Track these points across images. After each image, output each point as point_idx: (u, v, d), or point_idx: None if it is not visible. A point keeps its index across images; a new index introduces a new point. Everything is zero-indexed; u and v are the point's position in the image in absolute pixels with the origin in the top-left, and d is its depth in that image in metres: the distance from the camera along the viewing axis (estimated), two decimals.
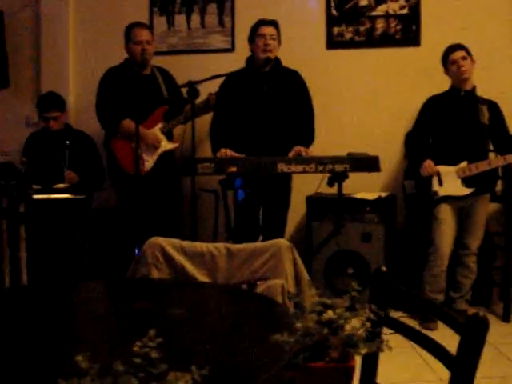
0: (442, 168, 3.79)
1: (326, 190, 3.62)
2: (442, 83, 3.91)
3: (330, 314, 1.12)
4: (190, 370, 0.85)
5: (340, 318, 1.12)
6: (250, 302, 1.76)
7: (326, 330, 1.12)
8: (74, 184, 4.02)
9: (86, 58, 4.89)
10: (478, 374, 3.02)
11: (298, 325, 1.12)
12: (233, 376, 1.10)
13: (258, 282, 2.29)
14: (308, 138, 3.81)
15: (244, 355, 1.18)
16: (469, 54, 3.76)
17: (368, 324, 1.14)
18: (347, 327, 1.15)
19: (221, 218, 3.97)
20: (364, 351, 1.12)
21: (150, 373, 0.86)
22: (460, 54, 3.73)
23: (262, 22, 3.79)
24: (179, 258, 2.33)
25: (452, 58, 3.76)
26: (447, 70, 3.83)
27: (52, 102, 4.26)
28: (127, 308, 1.71)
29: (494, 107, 3.86)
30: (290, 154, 3.62)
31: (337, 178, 3.49)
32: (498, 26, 4.35)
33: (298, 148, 3.65)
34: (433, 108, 3.90)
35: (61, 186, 3.91)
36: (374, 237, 4.05)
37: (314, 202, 4.07)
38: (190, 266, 2.31)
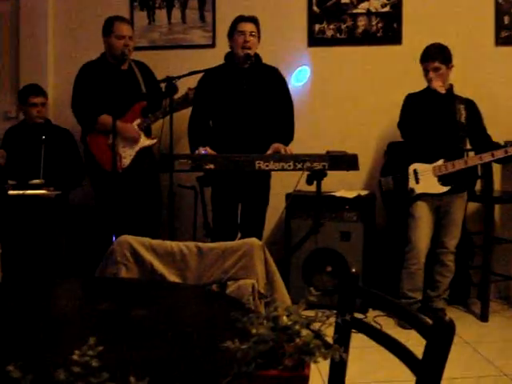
0: (418, 166, 3.80)
1: (305, 187, 3.60)
2: (423, 82, 3.89)
3: (285, 320, 1.10)
4: (128, 380, 0.82)
5: (295, 324, 1.10)
6: (214, 305, 1.73)
7: (281, 337, 1.10)
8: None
9: (65, 51, 4.83)
10: (455, 374, 3.04)
11: (253, 331, 1.09)
12: None
13: (229, 282, 2.27)
14: (287, 136, 3.79)
15: (193, 363, 1.16)
16: (444, 61, 3.70)
17: (323, 330, 1.12)
18: (304, 333, 1.13)
19: (200, 215, 3.93)
20: (320, 359, 1.10)
21: (89, 382, 0.84)
22: (432, 65, 3.70)
23: (242, 19, 3.76)
24: (149, 257, 2.30)
25: (425, 66, 3.75)
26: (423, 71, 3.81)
27: (40, 88, 4.27)
28: (90, 308, 1.68)
29: (471, 106, 3.86)
30: (269, 152, 3.60)
31: (315, 176, 3.49)
32: (478, 24, 4.35)
33: (276, 145, 3.62)
34: (411, 105, 3.88)
35: (37, 181, 3.87)
36: (353, 235, 4.04)
37: (293, 199, 4.05)
38: (159, 265, 2.29)
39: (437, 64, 3.70)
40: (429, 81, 3.73)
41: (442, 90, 3.71)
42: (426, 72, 3.74)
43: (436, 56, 3.70)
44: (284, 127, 3.82)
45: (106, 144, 3.88)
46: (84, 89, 4.02)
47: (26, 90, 4.26)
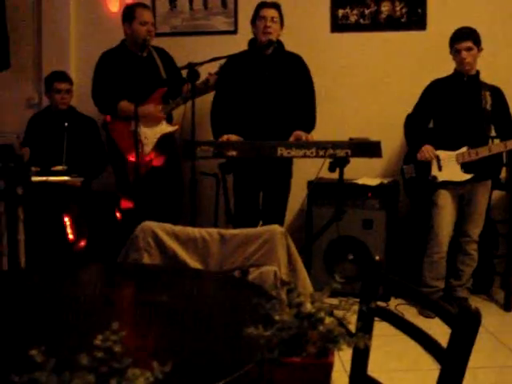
0: (441, 153, 3.75)
1: (327, 175, 3.58)
2: (448, 68, 3.83)
3: (308, 307, 1.09)
4: (151, 366, 0.82)
5: (319, 311, 1.08)
6: (236, 291, 1.73)
7: (305, 324, 1.08)
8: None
9: (87, 39, 4.84)
10: (478, 364, 3.02)
11: (276, 317, 1.08)
12: (199, 373, 1.08)
13: (251, 269, 2.26)
14: (309, 124, 3.76)
15: (216, 350, 1.15)
16: (476, 43, 3.65)
17: (347, 318, 1.11)
18: (328, 320, 1.11)
19: (221, 203, 3.93)
20: (344, 347, 1.08)
21: (111, 367, 0.83)
22: (465, 44, 3.64)
23: (264, 4, 3.74)
24: (171, 244, 2.30)
25: (457, 47, 3.67)
26: (452, 54, 3.75)
27: (65, 75, 4.30)
28: (112, 294, 1.68)
29: (497, 93, 3.79)
30: (291, 139, 3.58)
31: (338, 164, 3.46)
32: (504, 10, 4.26)
33: (297, 133, 3.60)
34: (435, 92, 3.83)
35: (59, 168, 3.89)
36: (375, 223, 4.01)
37: (315, 187, 4.02)
38: (181, 252, 2.28)
39: (470, 44, 3.64)
40: (461, 60, 3.67)
41: (472, 72, 3.67)
42: (457, 52, 3.67)
43: (469, 36, 3.64)
44: (306, 115, 3.79)
45: (128, 131, 3.88)
46: (104, 77, 4.03)
47: (51, 76, 4.29)
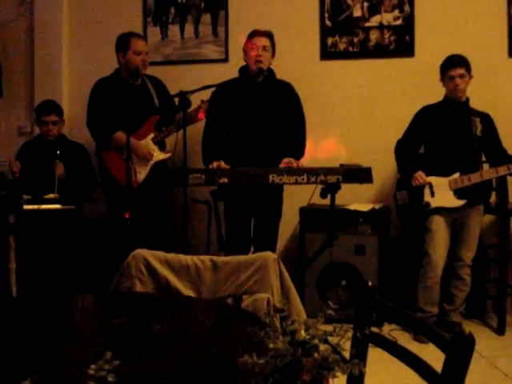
0: (433, 179, 3.77)
1: (319, 201, 3.59)
2: (436, 94, 3.88)
3: (302, 334, 1.09)
4: None
5: (313, 338, 1.08)
6: (230, 319, 1.72)
7: (299, 351, 1.08)
8: (61, 180, 4.01)
9: (79, 67, 4.89)
10: None
11: (270, 345, 1.08)
12: None
13: (244, 296, 2.25)
14: (299, 151, 3.78)
15: (210, 378, 1.15)
16: (468, 70, 3.71)
17: (341, 345, 1.11)
18: (322, 347, 1.11)
19: (213, 229, 3.93)
20: (339, 374, 1.08)
21: None
22: (459, 71, 3.69)
23: (256, 33, 3.76)
24: (163, 271, 2.29)
25: (450, 73, 3.71)
26: (443, 80, 3.79)
27: (53, 107, 4.32)
28: (105, 323, 1.67)
29: (486, 119, 3.84)
30: (280, 166, 3.59)
31: (329, 190, 3.48)
32: (491, 37, 4.33)
33: (287, 160, 3.62)
34: (426, 118, 3.87)
35: (51, 196, 3.89)
36: (367, 249, 4.01)
37: (307, 213, 4.03)
38: (174, 279, 2.27)
39: (463, 71, 3.69)
40: (454, 87, 3.71)
41: (463, 99, 3.74)
42: (451, 79, 3.72)
43: (462, 63, 3.70)
44: (296, 142, 3.81)
45: (121, 159, 3.89)
46: (98, 105, 4.05)
47: (39, 107, 4.33)
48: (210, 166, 3.59)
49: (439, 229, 3.76)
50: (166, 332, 1.58)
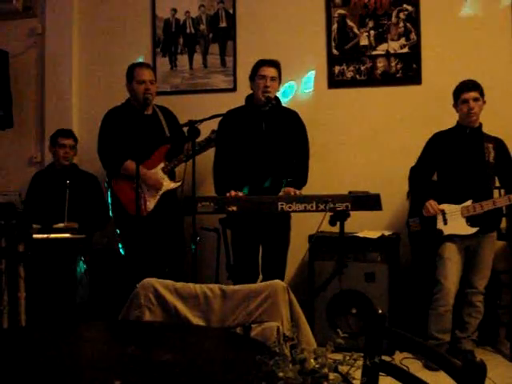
0: (446, 206, 3.75)
1: (328, 228, 3.58)
2: (444, 121, 3.89)
3: (312, 362, 1.08)
4: None
5: (323, 367, 1.08)
6: (239, 348, 1.71)
7: (308, 380, 1.07)
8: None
9: (89, 98, 4.95)
10: None
11: (280, 374, 1.07)
12: None
13: (253, 325, 2.24)
14: (301, 181, 3.79)
15: None
16: (481, 94, 3.71)
17: (351, 374, 1.10)
18: (332, 376, 1.10)
19: (222, 257, 3.93)
20: None
21: None
22: (473, 94, 3.68)
23: (264, 62, 3.78)
24: (172, 300, 2.29)
25: (464, 97, 3.70)
26: (456, 105, 3.78)
27: (71, 132, 4.42)
28: (114, 352, 1.67)
29: (500, 145, 3.81)
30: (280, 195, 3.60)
31: (338, 217, 3.47)
32: (499, 64, 4.35)
33: (287, 189, 3.62)
34: (438, 144, 3.85)
35: (61, 225, 3.91)
36: (377, 276, 3.99)
37: (316, 240, 4.02)
38: (183, 308, 2.27)
39: (477, 94, 3.69)
40: (468, 110, 3.69)
41: (476, 124, 3.74)
42: (465, 102, 3.70)
43: (476, 87, 3.70)
44: (298, 172, 3.81)
45: (131, 188, 3.91)
46: (109, 135, 4.10)
47: (57, 132, 4.39)
48: (228, 195, 3.58)
49: (452, 256, 3.73)
50: (174, 361, 1.57)
